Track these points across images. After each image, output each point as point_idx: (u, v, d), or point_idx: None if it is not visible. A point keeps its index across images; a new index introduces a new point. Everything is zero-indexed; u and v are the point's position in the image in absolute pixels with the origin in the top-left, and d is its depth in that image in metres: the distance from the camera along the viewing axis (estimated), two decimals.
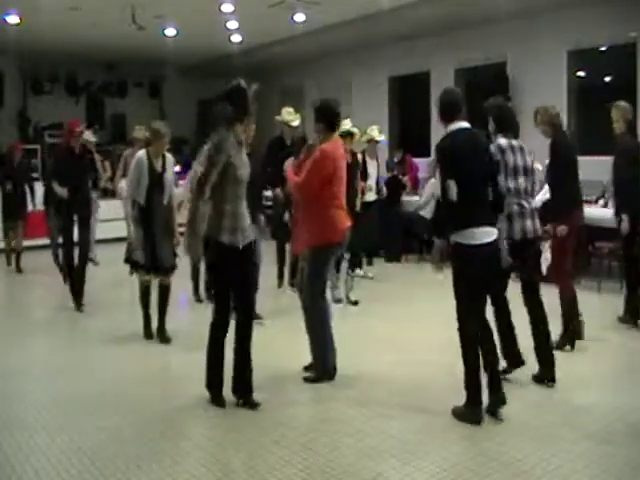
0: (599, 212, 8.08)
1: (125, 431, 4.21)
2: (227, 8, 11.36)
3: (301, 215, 5.03)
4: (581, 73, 11.23)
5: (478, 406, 4.28)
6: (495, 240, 4.37)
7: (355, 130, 8.34)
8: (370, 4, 11.04)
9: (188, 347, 5.99)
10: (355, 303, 7.55)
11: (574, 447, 3.91)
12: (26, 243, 10.07)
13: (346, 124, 8.30)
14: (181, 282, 6.98)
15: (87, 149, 7.90)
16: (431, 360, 5.43)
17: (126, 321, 6.91)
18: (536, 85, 10.93)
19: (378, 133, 9.30)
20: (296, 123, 8.23)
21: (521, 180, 5.01)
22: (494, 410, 4.35)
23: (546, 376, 4.94)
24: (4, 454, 3.90)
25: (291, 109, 8.32)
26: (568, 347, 5.70)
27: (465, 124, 4.46)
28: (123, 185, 8.10)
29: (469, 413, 4.28)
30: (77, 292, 7.36)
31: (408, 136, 14.02)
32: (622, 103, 6.52)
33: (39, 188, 9.95)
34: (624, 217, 6.45)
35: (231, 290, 4.56)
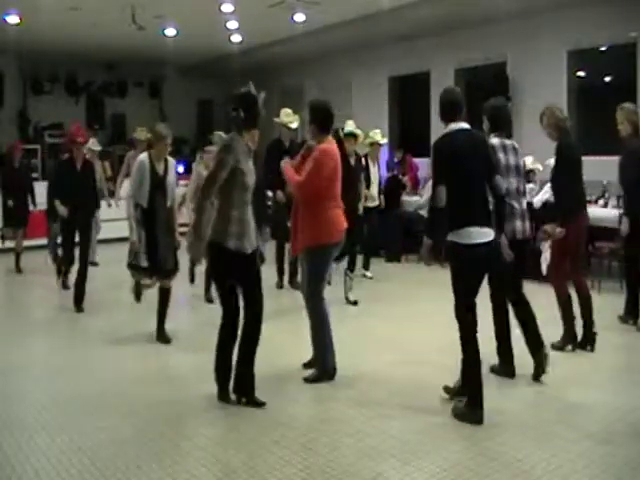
0: (599, 212, 8.08)
1: (125, 431, 4.21)
2: (227, 8, 11.36)
3: (300, 215, 5.02)
4: (581, 73, 11.23)
5: (478, 406, 4.28)
6: (492, 240, 4.38)
7: (358, 131, 8.35)
8: (370, 4, 11.05)
9: (188, 347, 6.00)
10: (355, 303, 7.55)
11: (574, 447, 3.91)
12: (26, 243, 10.06)
13: (350, 125, 8.31)
14: (181, 282, 6.98)
15: (91, 165, 7.81)
16: (431, 360, 5.43)
17: (126, 321, 6.92)
18: (536, 85, 10.93)
19: (381, 137, 9.31)
20: (295, 125, 8.21)
21: (512, 180, 5.05)
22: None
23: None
24: (4, 454, 3.90)
25: (289, 110, 8.30)
26: (569, 347, 5.71)
27: (464, 125, 4.46)
28: (125, 186, 8.09)
29: (469, 413, 4.28)
30: (77, 298, 7.35)
31: (408, 136, 14.03)
32: (627, 105, 6.52)
33: (38, 187, 9.95)
34: (624, 219, 6.49)
35: (239, 293, 4.57)
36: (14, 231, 9.85)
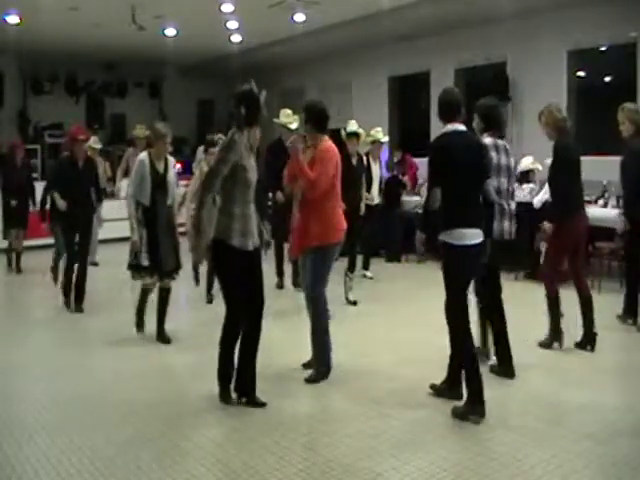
0: (599, 212, 8.08)
1: (125, 431, 4.21)
2: (227, 8, 11.35)
3: (303, 215, 5.03)
4: (581, 73, 11.22)
5: (479, 402, 4.30)
6: (482, 241, 4.44)
7: (361, 131, 8.35)
8: (370, 4, 11.04)
9: (188, 347, 6.00)
10: (354, 303, 7.55)
11: (574, 447, 3.91)
12: (26, 243, 10.05)
13: (352, 125, 8.31)
14: (181, 282, 6.97)
15: (92, 163, 7.80)
16: (432, 360, 5.41)
17: (126, 321, 6.90)
18: (536, 85, 10.93)
19: (382, 135, 9.31)
20: (294, 125, 8.20)
21: (503, 180, 5.10)
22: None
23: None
24: (4, 454, 3.90)
25: (289, 111, 8.30)
26: (556, 344, 5.75)
27: (461, 127, 4.49)
28: (123, 185, 8.07)
29: (471, 410, 4.30)
30: (77, 297, 7.34)
31: (408, 136, 14.02)
32: (628, 105, 6.52)
33: (39, 187, 9.92)
34: (621, 218, 6.50)
35: (242, 291, 4.57)
36: (16, 233, 9.82)
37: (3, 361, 5.72)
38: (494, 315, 5.12)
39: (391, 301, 7.89)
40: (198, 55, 15.81)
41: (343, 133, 8.25)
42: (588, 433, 4.10)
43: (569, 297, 5.82)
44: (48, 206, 8.21)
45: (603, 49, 10.84)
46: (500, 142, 5.13)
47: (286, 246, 7.96)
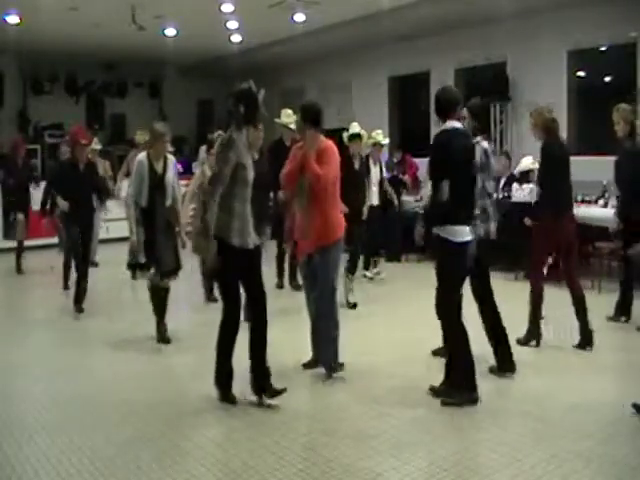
0: (599, 212, 8.08)
1: (125, 431, 4.21)
2: (227, 8, 11.36)
3: (316, 213, 5.05)
4: (581, 73, 11.23)
5: (473, 389, 4.44)
6: (473, 239, 4.59)
7: (364, 133, 8.34)
8: (370, 4, 11.05)
9: (188, 347, 6.00)
10: (354, 306, 7.48)
11: (574, 447, 3.91)
12: (26, 243, 10.01)
13: (355, 127, 8.29)
14: (182, 282, 6.97)
15: (93, 166, 7.79)
16: (432, 360, 5.42)
17: (126, 321, 6.91)
18: (536, 85, 10.93)
19: (383, 137, 9.30)
20: (295, 125, 8.20)
21: (492, 183, 5.29)
22: None
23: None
24: (4, 454, 3.90)
25: (290, 111, 8.29)
26: (533, 342, 5.77)
27: (458, 124, 4.59)
28: (124, 185, 8.05)
29: (466, 398, 4.42)
30: (77, 297, 7.34)
31: (408, 136, 14.03)
32: (623, 105, 6.53)
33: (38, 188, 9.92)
34: (615, 218, 6.52)
35: (243, 289, 4.58)
36: (21, 221, 9.71)
37: (3, 361, 5.72)
38: (488, 314, 5.15)
39: (391, 301, 7.89)
40: (198, 55, 15.81)
41: (345, 136, 8.23)
42: (588, 433, 4.10)
43: (564, 298, 5.82)
44: (48, 207, 8.22)
45: (603, 49, 10.85)
46: (488, 145, 5.25)
47: (286, 246, 7.99)
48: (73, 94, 16.67)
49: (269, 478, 3.59)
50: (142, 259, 6.03)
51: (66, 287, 8.26)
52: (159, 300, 6.18)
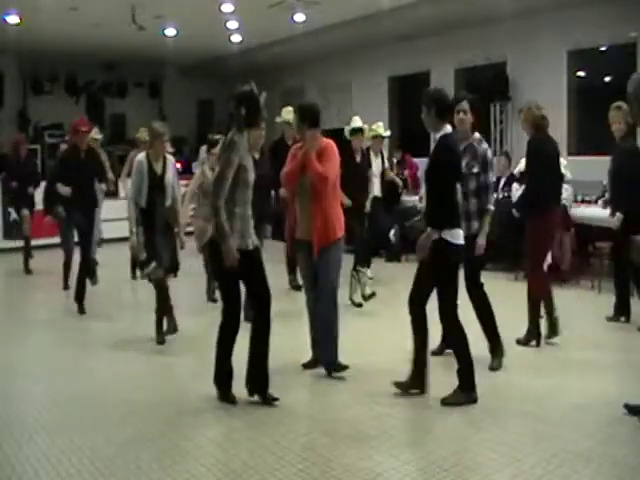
0: (599, 212, 8.06)
1: (125, 431, 4.21)
2: (227, 8, 11.36)
3: (319, 212, 5.05)
4: (581, 73, 11.22)
5: (473, 389, 4.49)
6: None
7: (365, 126, 8.34)
8: (370, 4, 11.04)
9: (188, 348, 5.99)
10: (359, 305, 7.50)
11: (574, 447, 3.91)
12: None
13: (356, 121, 8.27)
14: (182, 282, 6.98)
15: (94, 152, 7.79)
16: (432, 359, 5.41)
17: (126, 321, 6.91)
18: (536, 85, 10.92)
19: (384, 129, 9.30)
20: None
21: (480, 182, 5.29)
22: None
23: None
24: (4, 454, 3.90)
25: (291, 108, 8.28)
26: (533, 342, 5.77)
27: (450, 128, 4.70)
28: (126, 184, 8.06)
29: (466, 398, 4.45)
30: (78, 294, 7.34)
31: (408, 136, 14.01)
32: (622, 104, 6.52)
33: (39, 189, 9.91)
34: (618, 215, 6.50)
35: (245, 288, 4.59)
36: (20, 215, 9.66)
37: (3, 361, 5.72)
38: (482, 311, 5.20)
39: (391, 300, 7.87)
40: (198, 55, 15.81)
41: (347, 130, 8.21)
42: (588, 433, 4.10)
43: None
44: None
45: (603, 49, 10.84)
46: None
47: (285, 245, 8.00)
48: (73, 94, 16.67)
49: (269, 478, 3.59)
50: (142, 256, 6.03)
51: (66, 287, 8.27)
52: (166, 294, 6.15)
